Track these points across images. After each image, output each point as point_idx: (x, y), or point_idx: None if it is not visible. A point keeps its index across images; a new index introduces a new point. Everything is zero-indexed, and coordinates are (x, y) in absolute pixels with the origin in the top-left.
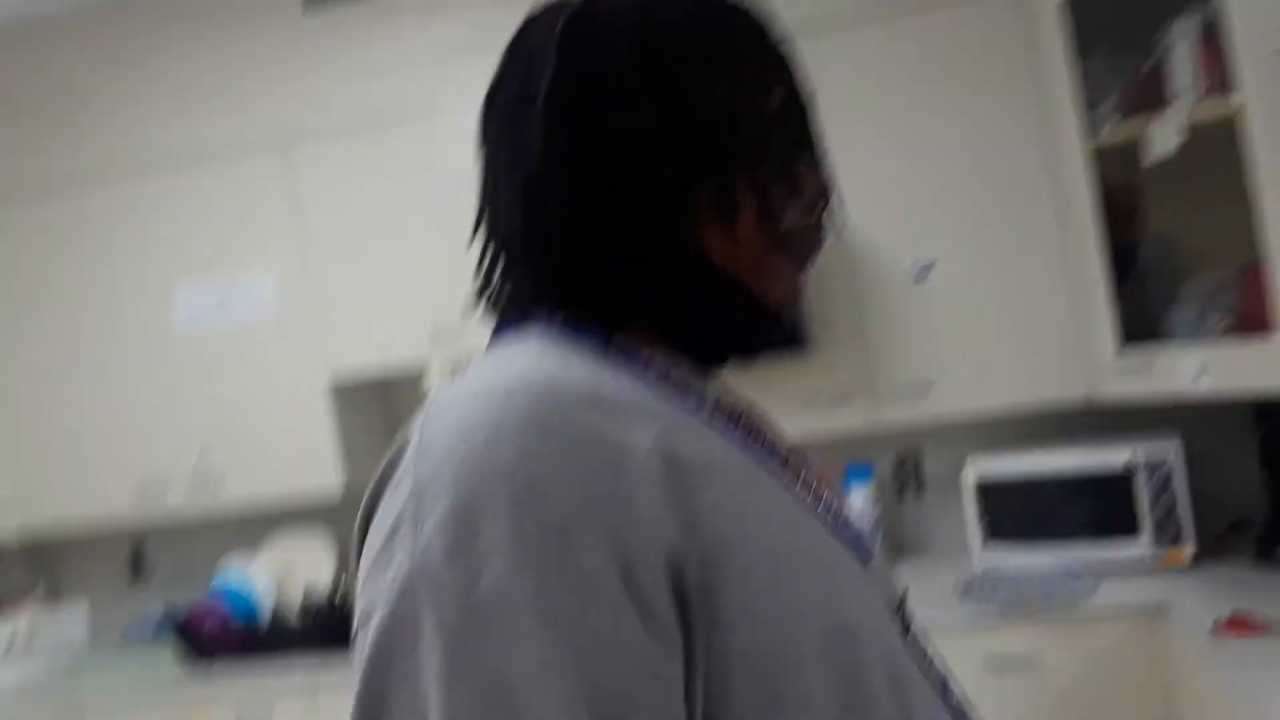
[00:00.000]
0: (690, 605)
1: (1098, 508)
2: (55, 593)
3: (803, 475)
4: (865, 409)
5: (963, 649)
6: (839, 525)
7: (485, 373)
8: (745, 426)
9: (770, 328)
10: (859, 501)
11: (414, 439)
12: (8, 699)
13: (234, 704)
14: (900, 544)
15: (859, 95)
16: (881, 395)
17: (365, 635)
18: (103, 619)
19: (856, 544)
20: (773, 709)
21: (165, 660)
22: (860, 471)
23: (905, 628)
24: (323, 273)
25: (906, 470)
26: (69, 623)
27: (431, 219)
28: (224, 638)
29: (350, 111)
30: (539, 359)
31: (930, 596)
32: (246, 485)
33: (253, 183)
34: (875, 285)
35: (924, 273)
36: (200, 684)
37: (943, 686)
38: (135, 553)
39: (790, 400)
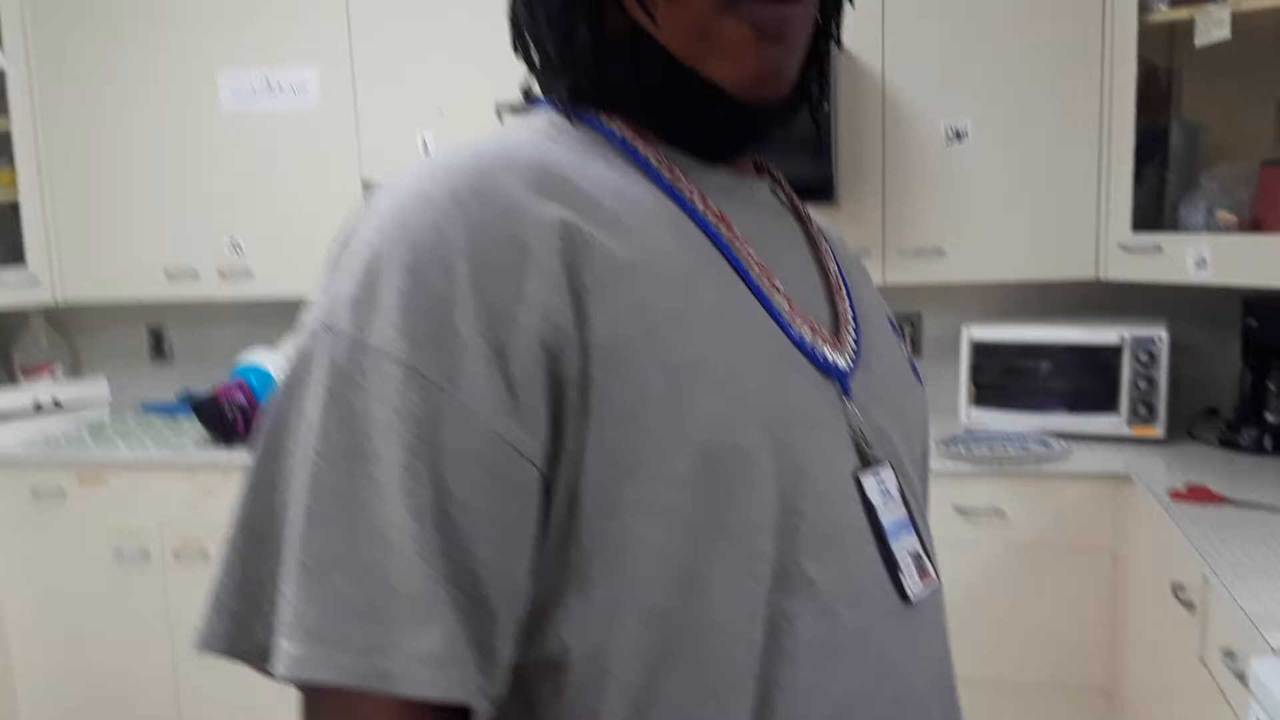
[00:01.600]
0: (565, 394)
1: (1082, 381)
2: (75, 367)
3: (779, 292)
4: (879, 266)
5: (938, 497)
6: (813, 354)
7: (455, 145)
8: (715, 228)
9: (729, 111)
10: None
11: (374, 193)
12: (35, 453)
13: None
14: None
15: None
16: (896, 255)
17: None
18: (121, 395)
19: (834, 374)
20: (620, 507)
21: (187, 434)
22: None
23: (865, 463)
24: (364, 71)
25: (906, 330)
26: (91, 393)
27: (484, 28)
28: (247, 418)
29: None
30: (513, 133)
31: None
32: (273, 278)
33: None
34: (907, 144)
35: (956, 136)
36: (221, 457)
37: (880, 531)
38: (155, 335)
39: None
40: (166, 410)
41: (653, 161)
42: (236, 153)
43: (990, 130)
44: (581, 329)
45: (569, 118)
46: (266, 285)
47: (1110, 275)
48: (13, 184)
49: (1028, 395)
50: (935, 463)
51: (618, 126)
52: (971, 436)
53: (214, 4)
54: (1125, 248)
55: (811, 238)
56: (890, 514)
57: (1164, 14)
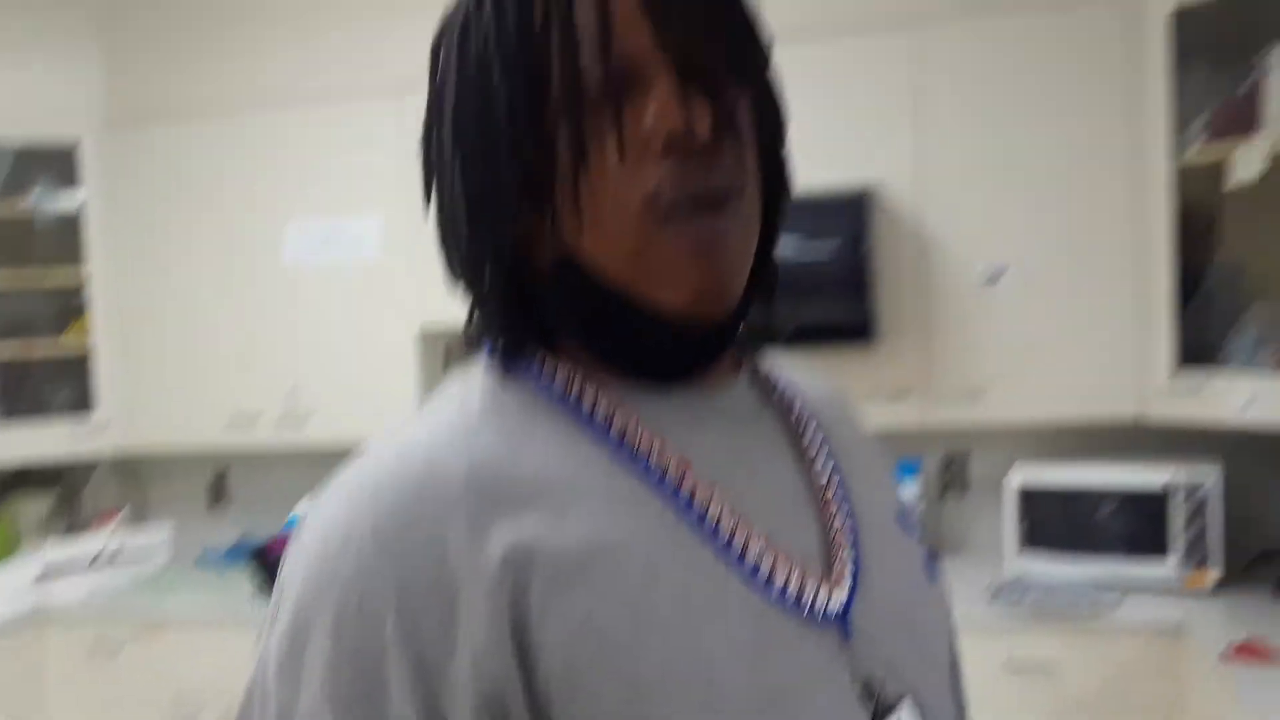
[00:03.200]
0: None
1: (1132, 525)
2: (140, 513)
3: (757, 540)
4: (921, 407)
5: (987, 650)
6: (801, 606)
7: (387, 444)
8: (677, 484)
9: (665, 337)
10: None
11: (307, 516)
12: (93, 609)
13: None
14: (938, 542)
15: (952, 88)
16: (938, 395)
17: None
18: (181, 541)
19: (830, 620)
20: None
21: (240, 585)
22: (908, 468)
23: (880, 710)
24: (423, 221)
25: (953, 470)
26: (152, 542)
27: None
28: None
29: None
30: (444, 417)
31: (961, 596)
32: (331, 424)
33: (367, 128)
34: (946, 284)
35: (995, 276)
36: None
37: None
38: (217, 480)
39: (850, 390)
40: (224, 557)
41: (600, 413)
42: (297, 301)
43: (1028, 269)
44: (526, 665)
45: (506, 374)
46: (324, 432)
47: (1156, 415)
48: (86, 332)
49: (1077, 540)
50: (981, 613)
51: (562, 373)
52: (1020, 585)
53: (282, 157)
54: (1169, 388)
55: (798, 436)
56: None
57: (1196, 154)
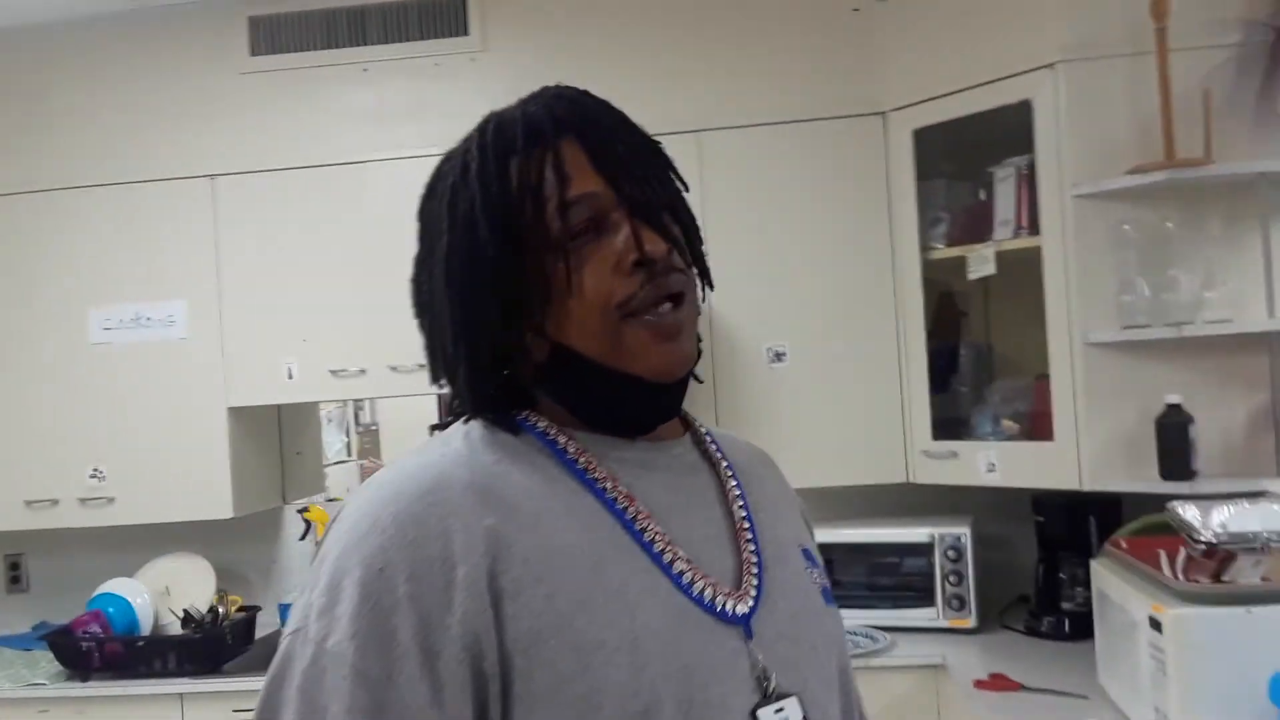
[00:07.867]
0: (487, 685)
1: (902, 577)
2: None
3: (681, 559)
4: None
5: None
6: (713, 608)
7: (406, 462)
8: (624, 509)
9: (642, 395)
10: None
11: (341, 510)
12: None
13: (105, 713)
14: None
15: (739, 189)
16: None
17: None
18: None
19: (735, 621)
20: None
21: (41, 668)
22: None
23: (765, 698)
24: (232, 303)
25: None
26: None
27: (345, 264)
28: (102, 650)
29: (278, 154)
30: (451, 448)
31: None
32: (135, 505)
33: (177, 211)
34: (736, 365)
35: (777, 358)
36: (75, 691)
37: None
38: (13, 565)
39: None
40: (20, 643)
41: (569, 453)
42: (101, 382)
43: (805, 352)
44: (500, 630)
45: (502, 426)
46: (128, 512)
47: (918, 479)
48: None
49: (854, 591)
50: None
51: (544, 423)
52: None
53: (85, 242)
54: (928, 454)
55: (724, 488)
56: None
57: (940, 252)
